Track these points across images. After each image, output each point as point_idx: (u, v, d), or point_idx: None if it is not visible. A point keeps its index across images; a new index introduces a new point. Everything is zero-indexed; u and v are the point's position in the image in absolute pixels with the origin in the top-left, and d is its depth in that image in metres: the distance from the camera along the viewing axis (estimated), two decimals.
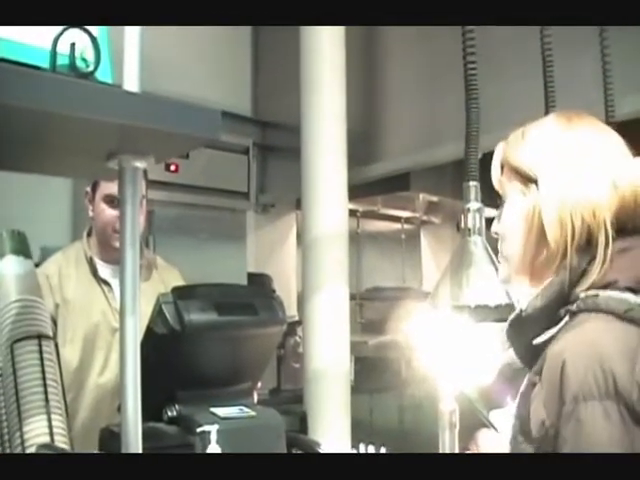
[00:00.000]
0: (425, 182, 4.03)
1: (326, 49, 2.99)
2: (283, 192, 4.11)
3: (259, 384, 1.93)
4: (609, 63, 2.16)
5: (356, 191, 3.19)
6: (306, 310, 2.98)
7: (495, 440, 1.46)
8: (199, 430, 1.55)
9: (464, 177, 1.59)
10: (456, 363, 1.50)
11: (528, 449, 1.07)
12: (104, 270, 2.38)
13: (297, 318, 3.81)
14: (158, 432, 1.62)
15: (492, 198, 1.40)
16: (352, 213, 4.37)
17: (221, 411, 1.66)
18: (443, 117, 3.00)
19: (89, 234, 2.43)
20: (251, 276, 3.87)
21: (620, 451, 0.96)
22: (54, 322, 2.27)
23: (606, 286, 1.07)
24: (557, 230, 1.12)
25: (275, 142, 4.16)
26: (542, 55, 1.98)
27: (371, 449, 3.35)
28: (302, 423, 1.92)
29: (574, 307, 1.08)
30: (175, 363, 1.65)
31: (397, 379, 3.97)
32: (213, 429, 1.53)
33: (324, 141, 2.95)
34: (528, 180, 1.17)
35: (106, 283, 2.36)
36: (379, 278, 4.95)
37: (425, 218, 5.17)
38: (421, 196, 4.49)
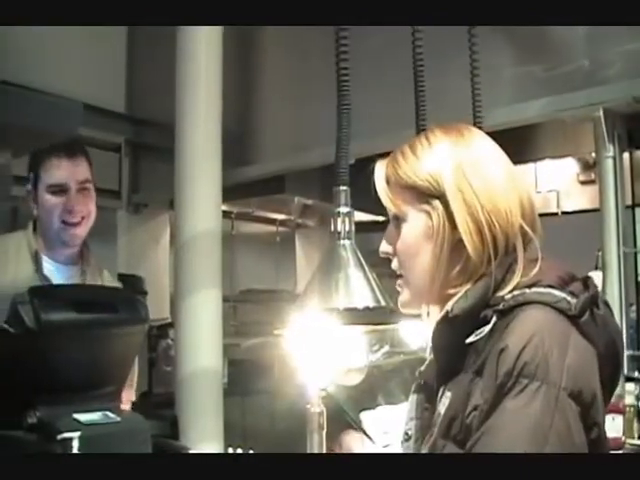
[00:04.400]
0: (300, 185, 4.06)
1: (202, 49, 2.96)
2: (157, 192, 4.03)
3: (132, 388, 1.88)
4: (477, 76, 2.21)
5: (231, 192, 3.18)
6: (178, 312, 2.93)
7: (359, 441, 1.48)
8: (59, 437, 1.49)
9: (334, 181, 1.60)
10: (324, 365, 1.51)
11: (452, 449, 1.08)
12: (49, 268, 2.22)
13: (169, 320, 3.75)
14: (15, 440, 1.55)
15: (362, 203, 1.43)
16: (226, 214, 4.35)
17: (84, 417, 1.60)
18: (316, 121, 3.03)
19: (34, 229, 2.25)
20: (122, 277, 3.77)
21: (533, 434, 0.98)
22: None
23: (530, 286, 1.10)
24: (477, 240, 1.12)
25: (149, 140, 4.06)
26: (413, 64, 2.02)
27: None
28: (173, 427, 1.88)
29: (501, 306, 1.09)
30: (33, 366, 1.57)
31: (270, 381, 3.97)
32: (75, 436, 1.48)
33: (199, 141, 2.92)
34: (430, 197, 1.16)
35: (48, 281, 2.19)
36: (253, 280, 4.94)
37: (300, 221, 5.20)
38: (296, 199, 4.50)
